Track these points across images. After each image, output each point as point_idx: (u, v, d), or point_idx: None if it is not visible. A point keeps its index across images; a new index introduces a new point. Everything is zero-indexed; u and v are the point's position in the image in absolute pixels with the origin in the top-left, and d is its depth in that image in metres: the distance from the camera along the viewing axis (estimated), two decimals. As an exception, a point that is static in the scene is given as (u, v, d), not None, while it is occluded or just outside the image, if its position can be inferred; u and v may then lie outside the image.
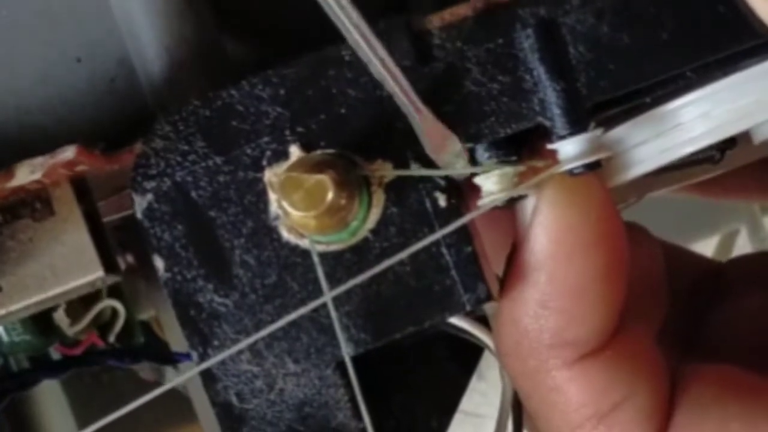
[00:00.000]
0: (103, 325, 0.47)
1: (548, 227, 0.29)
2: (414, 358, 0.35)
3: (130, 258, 0.47)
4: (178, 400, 0.54)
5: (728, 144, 0.33)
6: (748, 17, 0.27)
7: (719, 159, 0.36)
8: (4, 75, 0.35)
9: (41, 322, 0.38)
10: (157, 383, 0.54)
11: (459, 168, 0.28)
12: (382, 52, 0.26)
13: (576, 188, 0.28)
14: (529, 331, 0.29)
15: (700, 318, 0.36)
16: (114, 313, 0.47)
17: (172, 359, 0.40)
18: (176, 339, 0.50)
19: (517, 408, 0.34)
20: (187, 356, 0.40)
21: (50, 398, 0.61)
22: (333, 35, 0.35)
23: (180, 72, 0.32)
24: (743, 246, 0.71)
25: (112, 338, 0.47)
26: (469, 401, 0.51)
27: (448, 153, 0.27)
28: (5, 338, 0.37)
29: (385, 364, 0.33)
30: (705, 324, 0.36)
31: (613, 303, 0.29)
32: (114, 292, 0.45)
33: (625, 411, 0.29)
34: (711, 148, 0.31)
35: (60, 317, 0.42)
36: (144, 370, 0.52)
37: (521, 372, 0.30)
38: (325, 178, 0.26)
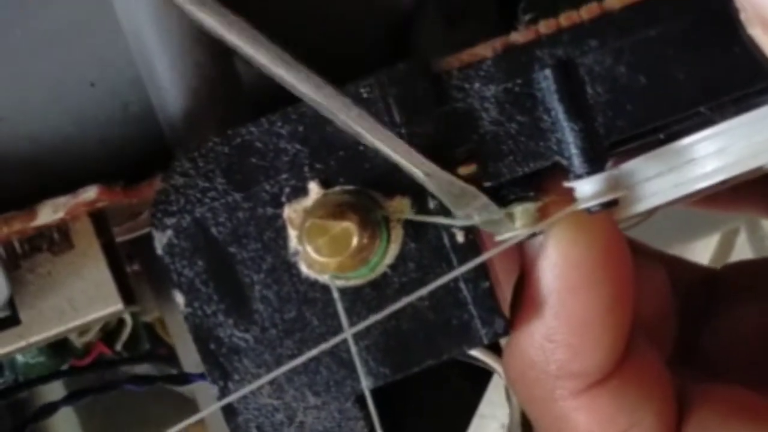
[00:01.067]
0: (109, 332, 0.47)
1: (554, 263, 0.29)
2: (426, 380, 0.35)
3: (136, 266, 0.48)
4: (183, 400, 0.55)
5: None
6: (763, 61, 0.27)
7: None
8: (17, 96, 0.35)
9: (56, 343, 0.38)
10: (151, 376, 0.55)
11: (477, 216, 0.28)
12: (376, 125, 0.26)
13: (582, 225, 0.29)
14: (535, 363, 0.30)
15: (696, 328, 0.37)
16: (120, 321, 0.47)
17: (187, 381, 0.40)
18: (182, 343, 0.50)
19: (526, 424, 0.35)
20: (201, 377, 0.40)
21: (51, 395, 0.61)
22: (345, 55, 0.35)
23: (194, 98, 0.33)
24: (743, 245, 0.72)
25: (119, 346, 0.47)
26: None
27: (469, 206, 0.28)
28: (21, 359, 0.37)
29: (397, 386, 0.33)
30: (700, 335, 0.37)
31: (619, 334, 0.30)
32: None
33: None
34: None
35: (69, 329, 0.42)
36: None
37: (529, 399, 0.31)
38: (350, 226, 0.27)
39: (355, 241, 0.27)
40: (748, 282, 0.38)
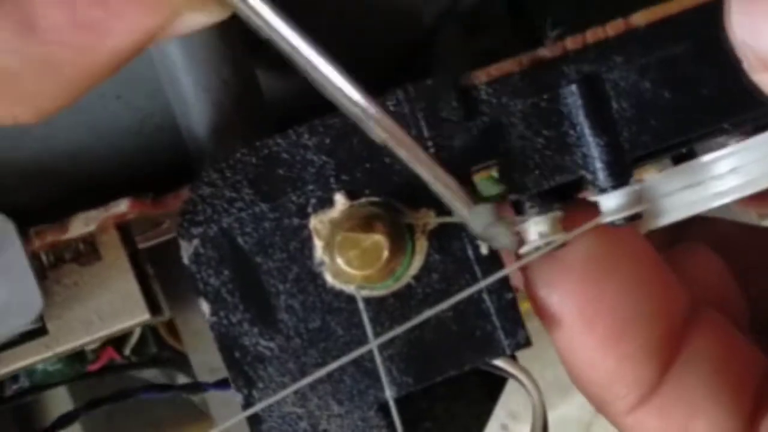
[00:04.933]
0: (118, 337, 0.47)
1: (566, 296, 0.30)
2: (441, 387, 0.35)
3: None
4: (189, 402, 0.55)
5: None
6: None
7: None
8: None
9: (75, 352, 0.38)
10: (166, 384, 0.55)
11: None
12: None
13: (614, 246, 0.29)
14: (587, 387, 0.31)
15: None
16: (129, 325, 0.47)
17: (201, 390, 0.41)
18: (193, 347, 0.50)
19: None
20: (215, 386, 0.40)
21: (56, 398, 0.61)
22: (367, 72, 0.35)
23: (218, 113, 0.33)
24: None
25: (127, 351, 0.47)
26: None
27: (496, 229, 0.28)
28: (40, 367, 0.38)
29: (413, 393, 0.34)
30: None
31: (645, 360, 0.30)
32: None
33: None
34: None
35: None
36: (156, 379, 0.53)
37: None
38: (381, 239, 0.27)
39: (386, 253, 0.27)
40: None
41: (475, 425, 0.37)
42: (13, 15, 0.23)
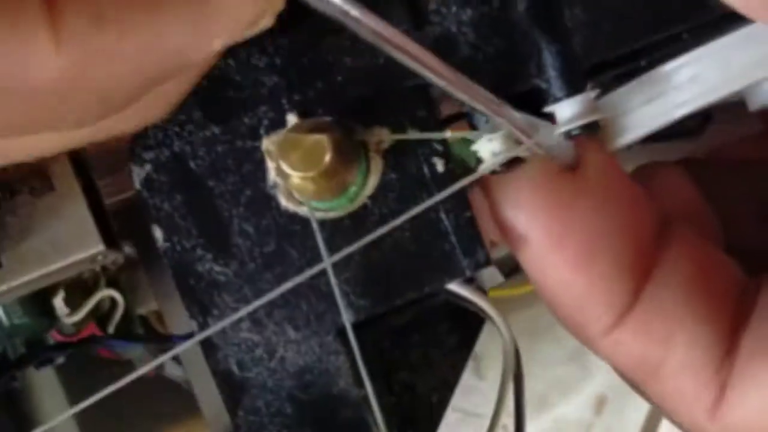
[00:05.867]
0: (101, 315, 0.47)
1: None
2: (415, 336, 0.35)
3: (129, 249, 0.47)
4: (179, 394, 0.54)
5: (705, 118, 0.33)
6: None
7: (696, 131, 0.37)
8: None
9: (41, 304, 0.38)
10: (158, 376, 0.54)
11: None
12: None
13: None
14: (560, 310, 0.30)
15: None
16: (113, 303, 0.47)
17: (171, 341, 0.40)
18: (178, 331, 0.49)
19: (519, 407, 0.34)
20: (184, 338, 0.40)
21: (46, 391, 0.61)
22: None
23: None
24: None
25: (111, 329, 0.47)
26: (468, 401, 0.50)
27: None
28: (5, 321, 0.37)
29: (386, 342, 0.33)
30: None
31: (618, 278, 0.29)
32: (112, 282, 0.45)
33: (672, 364, 0.29)
34: (686, 118, 0.30)
35: (59, 307, 0.41)
36: (143, 362, 0.52)
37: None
38: (323, 138, 0.26)
39: (328, 155, 0.26)
40: None
41: (451, 374, 0.36)
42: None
